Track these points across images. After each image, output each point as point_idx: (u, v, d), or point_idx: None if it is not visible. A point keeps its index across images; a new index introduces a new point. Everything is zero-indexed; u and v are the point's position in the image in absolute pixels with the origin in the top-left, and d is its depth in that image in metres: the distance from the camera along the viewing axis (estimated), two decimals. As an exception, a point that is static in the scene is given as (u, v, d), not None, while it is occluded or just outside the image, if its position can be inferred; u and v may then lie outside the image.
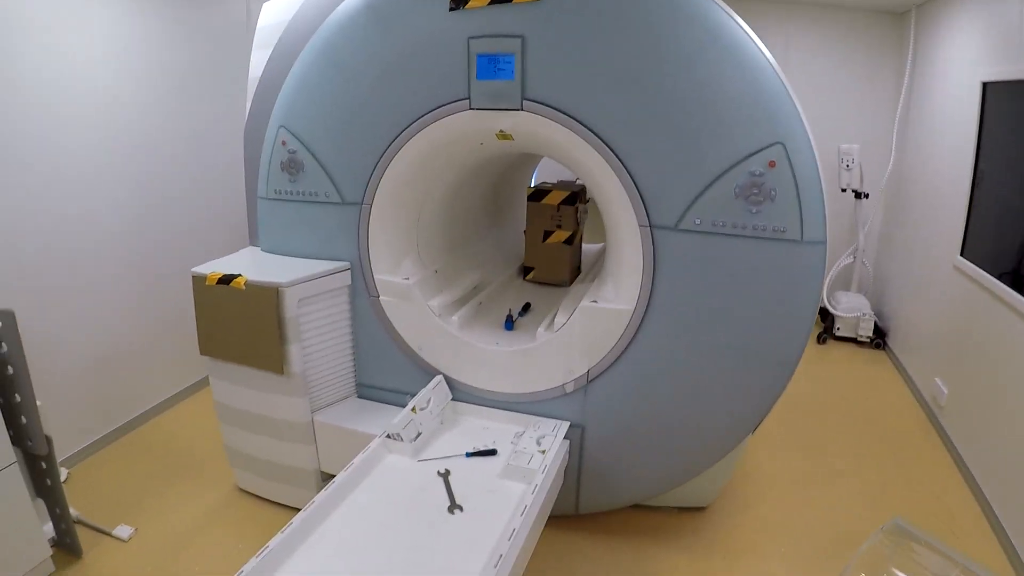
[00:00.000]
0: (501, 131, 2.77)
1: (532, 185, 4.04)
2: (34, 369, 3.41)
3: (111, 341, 3.94)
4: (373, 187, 2.93)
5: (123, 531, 3.25)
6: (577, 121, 2.57)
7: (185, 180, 4.29)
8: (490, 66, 2.62)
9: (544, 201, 3.67)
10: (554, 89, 2.58)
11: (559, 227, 3.67)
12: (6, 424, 2.74)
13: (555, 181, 4.03)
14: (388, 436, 2.79)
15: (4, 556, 2.71)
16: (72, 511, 3.24)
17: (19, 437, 2.83)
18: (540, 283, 3.76)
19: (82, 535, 3.21)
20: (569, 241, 3.68)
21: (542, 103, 2.60)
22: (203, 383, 4.64)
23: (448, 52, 2.65)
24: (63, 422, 3.68)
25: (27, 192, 3.33)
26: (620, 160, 2.56)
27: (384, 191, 2.93)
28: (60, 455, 3.63)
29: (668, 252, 2.61)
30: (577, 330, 2.82)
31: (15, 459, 2.74)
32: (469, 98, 2.69)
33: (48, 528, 3.11)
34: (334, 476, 3.15)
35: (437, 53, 2.67)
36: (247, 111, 3.25)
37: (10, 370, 2.73)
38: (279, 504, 3.43)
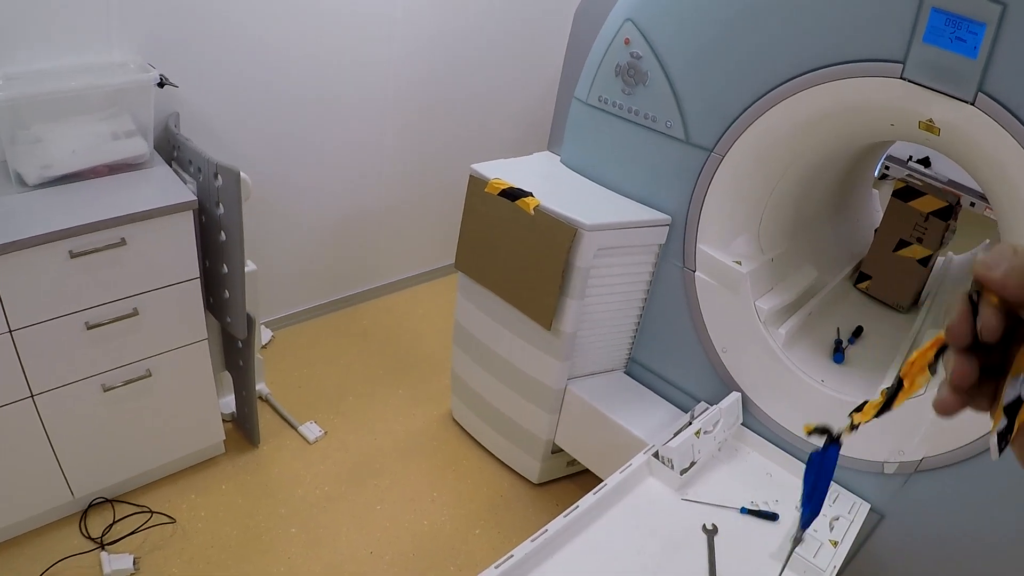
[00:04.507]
0: (929, 120, 1.95)
1: (887, 173, 3.20)
2: (277, 223, 3.12)
3: (363, 206, 3.57)
4: (734, 135, 2.20)
5: (310, 430, 2.91)
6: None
7: (493, 56, 3.73)
8: (947, 29, 1.77)
9: (911, 203, 2.84)
10: (1026, 90, 1.72)
11: (919, 241, 2.84)
12: (208, 293, 2.41)
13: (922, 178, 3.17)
14: (656, 456, 2.16)
15: (177, 433, 2.62)
16: (264, 388, 2.94)
17: (220, 310, 2.46)
18: (874, 297, 2.97)
19: (266, 417, 2.93)
20: (925, 261, 2.85)
21: (1004, 104, 1.75)
22: (453, 268, 4.21)
23: (893, -11, 1.83)
24: (288, 282, 3.39)
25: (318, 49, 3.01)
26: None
27: (746, 144, 2.20)
28: (274, 314, 3.39)
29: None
30: (932, 410, 2.05)
31: (205, 335, 2.44)
32: (904, 63, 1.85)
33: (230, 400, 2.87)
34: (564, 452, 2.70)
35: (877, -14, 1.85)
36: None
37: (223, 236, 2.32)
38: (492, 455, 2.96)
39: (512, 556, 1.78)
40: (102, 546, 2.41)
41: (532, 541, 1.83)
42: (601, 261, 2.31)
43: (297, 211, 3.26)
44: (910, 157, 3.94)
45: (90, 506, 2.52)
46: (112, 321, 2.21)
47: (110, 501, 2.56)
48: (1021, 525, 2.03)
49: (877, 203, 3.47)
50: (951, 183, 3.70)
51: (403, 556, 2.53)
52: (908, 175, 3.23)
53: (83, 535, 2.44)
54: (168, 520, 2.53)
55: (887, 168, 3.79)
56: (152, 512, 2.54)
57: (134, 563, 2.36)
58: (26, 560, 2.34)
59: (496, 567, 1.74)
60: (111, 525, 2.48)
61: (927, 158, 3.96)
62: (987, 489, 2.06)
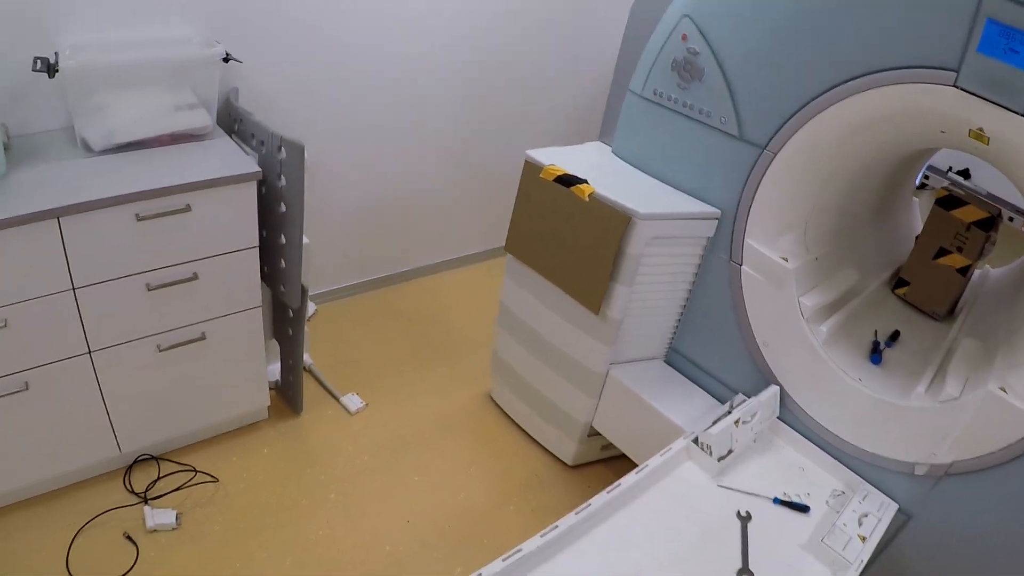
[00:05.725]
0: (980, 130, 1.99)
1: (926, 183, 3.24)
2: (324, 201, 3.22)
3: (409, 189, 3.63)
4: (787, 134, 2.24)
5: (352, 402, 2.98)
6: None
7: (544, 45, 3.77)
8: (1002, 40, 1.79)
9: (953, 212, 2.87)
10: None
11: (959, 250, 2.88)
12: (264, 263, 2.48)
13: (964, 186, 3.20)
14: (695, 442, 2.22)
15: (225, 396, 2.68)
16: (308, 358, 2.99)
17: (274, 279, 2.54)
18: (910, 304, 3.01)
19: (309, 387, 3.01)
20: (964, 271, 2.88)
21: (1055, 120, 1.79)
22: (493, 253, 4.27)
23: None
24: (332, 258, 3.47)
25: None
26: None
27: (798, 143, 2.24)
28: (318, 288, 3.48)
29: None
30: (966, 414, 2.09)
31: (260, 303, 2.51)
32: (958, 71, 1.88)
33: (275, 368, 2.92)
34: (601, 435, 2.77)
35: (932, -5, 1.89)
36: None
37: (283, 207, 2.39)
38: (528, 436, 3.02)
39: (557, 527, 1.84)
40: (146, 500, 2.49)
41: (576, 514, 1.90)
42: (652, 250, 2.36)
43: (345, 190, 3.33)
44: (950, 168, 3.97)
45: (135, 462, 2.61)
46: (172, 284, 2.29)
47: (155, 458, 2.63)
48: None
49: (917, 211, 3.50)
50: (990, 196, 3.72)
51: (438, 527, 2.59)
52: (947, 185, 3.26)
53: (127, 489, 2.52)
54: (211, 479, 2.61)
55: (927, 178, 3.82)
56: (196, 471, 2.62)
57: (176, 519, 2.43)
58: (72, 509, 2.42)
59: (542, 536, 1.80)
60: (155, 481, 2.56)
61: (967, 170, 4.00)
62: (1018, 496, 2.06)
